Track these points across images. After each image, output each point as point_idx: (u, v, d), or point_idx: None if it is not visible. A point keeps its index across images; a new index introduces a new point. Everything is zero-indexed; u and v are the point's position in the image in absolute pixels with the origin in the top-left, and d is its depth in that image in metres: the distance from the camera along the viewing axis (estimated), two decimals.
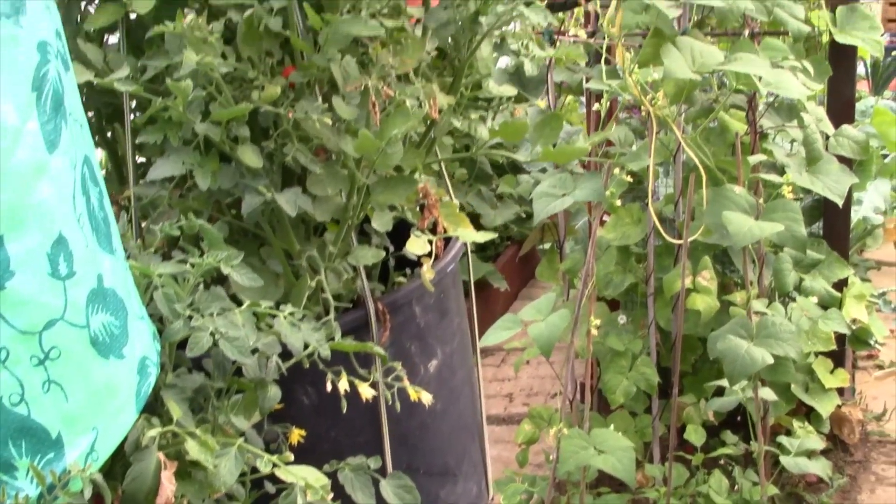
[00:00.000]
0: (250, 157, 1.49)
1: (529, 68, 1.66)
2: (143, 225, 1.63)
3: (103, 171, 1.84)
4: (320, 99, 1.59)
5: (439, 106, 1.61)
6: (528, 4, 1.53)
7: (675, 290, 2.85)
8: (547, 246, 3.28)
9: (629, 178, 2.88)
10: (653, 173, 2.93)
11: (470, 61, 1.66)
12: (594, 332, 2.86)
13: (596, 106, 2.92)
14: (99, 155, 1.82)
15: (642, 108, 2.73)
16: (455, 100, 1.65)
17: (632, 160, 2.79)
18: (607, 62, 2.79)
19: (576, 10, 3.02)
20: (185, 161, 1.49)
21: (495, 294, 3.64)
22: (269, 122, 1.54)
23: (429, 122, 1.63)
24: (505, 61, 3.58)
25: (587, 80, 2.97)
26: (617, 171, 2.86)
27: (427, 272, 1.59)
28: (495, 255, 3.79)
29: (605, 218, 3.07)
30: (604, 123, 2.98)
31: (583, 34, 2.75)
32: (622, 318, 3.06)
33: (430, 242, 1.63)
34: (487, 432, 3.32)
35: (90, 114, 1.76)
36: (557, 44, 3.03)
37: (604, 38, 2.75)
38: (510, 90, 1.69)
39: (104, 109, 1.72)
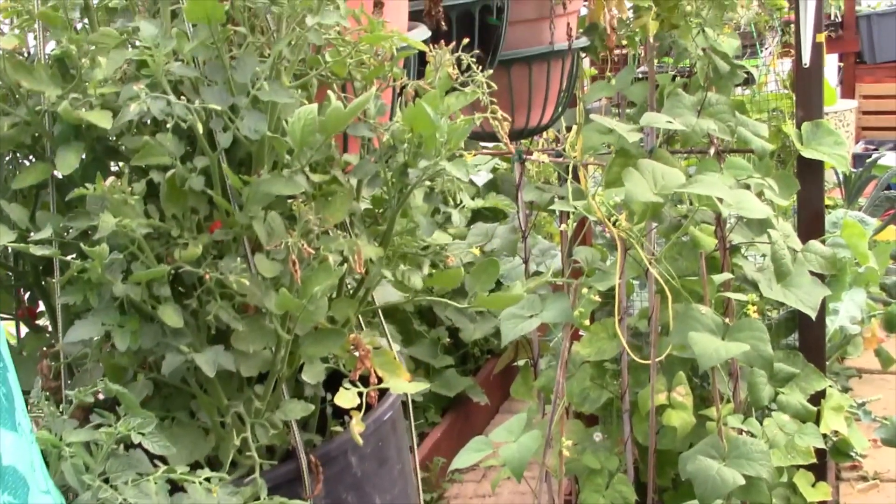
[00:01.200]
0: (171, 316, 1.49)
1: (457, 219, 1.66)
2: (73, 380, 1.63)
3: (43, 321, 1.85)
4: (249, 253, 1.59)
5: (368, 257, 1.61)
6: (451, 159, 1.53)
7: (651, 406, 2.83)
8: (522, 362, 3.26)
9: (598, 298, 2.88)
10: (625, 290, 2.93)
11: (403, 209, 1.66)
12: (566, 453, 2.84)
13: (563, 226, 2.93)
14: (39, 306, 1.82)
15: (607, 229, 2.74)
16: (385, 251, 1.65)
17: (600, 280, 2.79)
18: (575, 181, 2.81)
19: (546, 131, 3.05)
20: (105, 322, 1.49)
21: (476, 408, 3.61)
22: (193, 278, 1.54)
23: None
24: (484, 175, 3.61)
25: (557, 199, 2.99)
26: (585, 290, 2.86)
27: (356, 426, 1.58)
28: (475, 369, 3.77)
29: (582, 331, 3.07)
30: (572, 241, 2.99)
31: (545, 157, 2.78)
32: (598, 436, 3.03)
33: (361, 395, 1.62)
34: None
35: (27, 267, 1.77)
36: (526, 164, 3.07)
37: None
38: (444, 237, 1.69)
39: (40, 263, 1.73)
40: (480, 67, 1.72)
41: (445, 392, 3.47)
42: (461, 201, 1.54)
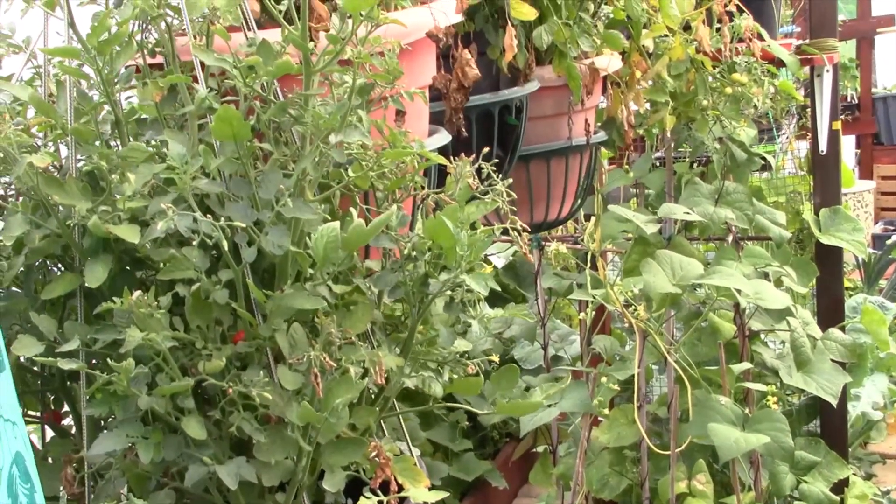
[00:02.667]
0: (195, 428, 1.51)
1: (477, 329, 1.68)
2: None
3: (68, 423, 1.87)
4: (272, 362, 1.61)
5: (390, 366, 1.63)
6: (470, 271, 1.56)
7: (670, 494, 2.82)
8: (541, 449, 3.26)
9: (616, 387, 2.89)
10: (644, 376, 2.93)
11: (424, 317, 1.68)
12: None
13: (581, 315, 2.95)
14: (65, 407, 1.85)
15: (625, 319, 2.76)
16: (405, 360, 1.67)
17: (618, 369, 2.80)
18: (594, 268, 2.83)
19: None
20: (129, 434, 1.52)
21: (494, 492, 3.59)
22: (217, 389, 1.56)
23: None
24: (500, 261, 3.64)
25: (576, 286, 3.01)
26: (604, 379, 2.86)
27: None
28: (494, 452, 3.75)
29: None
30: (591, 329, 3.01)
31: (563, 247, 2.80)
32: None
33: (381, 503, 1.63)
34: None
35: (53, 372, 1.79)
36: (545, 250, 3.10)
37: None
38: (465, 345, 1.71)
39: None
40: (499, 174, 1.75)
41: (464, 476, 3.46)
42: (480, 311, 1.57)
